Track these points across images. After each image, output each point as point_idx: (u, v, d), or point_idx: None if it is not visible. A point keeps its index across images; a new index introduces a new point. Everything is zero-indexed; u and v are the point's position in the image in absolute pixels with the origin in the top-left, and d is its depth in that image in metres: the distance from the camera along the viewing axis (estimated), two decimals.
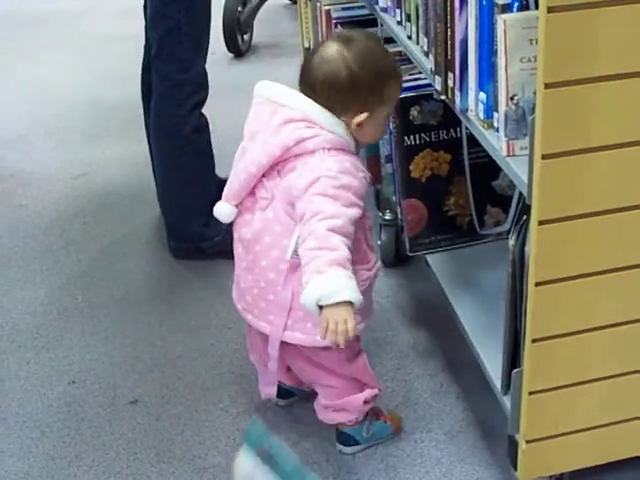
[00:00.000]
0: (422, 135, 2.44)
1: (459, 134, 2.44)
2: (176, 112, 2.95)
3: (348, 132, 2.03)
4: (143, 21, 3.08)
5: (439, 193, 2.49)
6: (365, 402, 2.27)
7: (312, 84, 2.03)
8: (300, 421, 2.43)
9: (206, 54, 2.97)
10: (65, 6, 6.01)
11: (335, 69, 2.00)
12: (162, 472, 2.32)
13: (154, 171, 3.25)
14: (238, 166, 2.09)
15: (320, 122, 2.00)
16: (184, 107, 2.94)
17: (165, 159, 3.07)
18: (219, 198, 2.96)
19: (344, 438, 2.33)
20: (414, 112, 2.41)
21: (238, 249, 2.16)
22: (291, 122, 1.99)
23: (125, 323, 2.87)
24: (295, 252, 2.01)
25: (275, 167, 2.04)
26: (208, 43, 3.00)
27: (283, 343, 2.15)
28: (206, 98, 2.99)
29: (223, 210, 2.14)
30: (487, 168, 2.43)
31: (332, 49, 2.01)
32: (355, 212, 1.96)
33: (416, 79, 2.52)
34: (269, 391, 2.31)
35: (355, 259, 1.99)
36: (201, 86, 2.98)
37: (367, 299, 2.09)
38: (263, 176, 2.06)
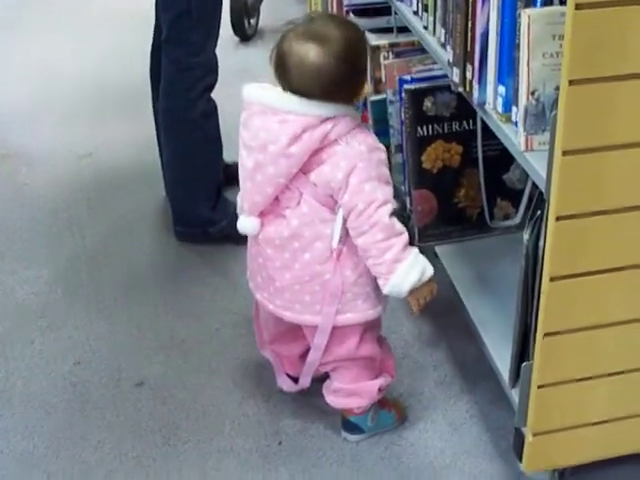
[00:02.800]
0: (435, 126, 2.44)
1: (472, 126, 2.43)
2: (185, 96, 2.94)
3: (350, 106, 2.05)
4: (153, 3, 3.07)
5: (450, 185, 2.49)
6: (379, 390, 2.29)
7: (306, 90, 1.98)
8: (305, 408, 2.44)
9: (217, 38, 2.97)
10: None
11: (329, 71, 1.97)
12: (167, 455, 2.33)
13: (161, 154, 3.25)
14: (257, 179, 2.05)
15: (329, 114, 1.99)
16: (193, 91, 2.94)
17: (173, 143, 3.07)
18: (226, 183, 2.97)
19: (349, 426, 2.34)
20: (428, 103, 2.41)
21: (266, 251, 2.14)
22: (308, 127, 1.97)
23: (130, 305, 2.87)
24: (341, 238, 2.05)
25: (308, 161, 2.03)
26: (219, 28, 2.99)
27: (309, 330, 2.20)
28: (215, 82, 2.99)
29: (249, 224, 2.13)
30: (498, 161, 2.44)
31: (313, 52, 1.97)
32: (390, 181, 2.05)
33: (430, 70, 2.52)
34: (303, 383, 2.35)
35: None
36: (211, 70, 2.97)
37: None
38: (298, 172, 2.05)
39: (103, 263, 3.10)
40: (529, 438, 1.99)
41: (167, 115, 3.04)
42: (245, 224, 2.13)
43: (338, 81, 1.99)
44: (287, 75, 2.00)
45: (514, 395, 2.06)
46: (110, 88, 4.39)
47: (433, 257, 2.60)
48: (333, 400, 2.32)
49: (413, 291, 2.07)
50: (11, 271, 3.08)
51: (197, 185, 3.07)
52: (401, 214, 2.82)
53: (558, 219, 1.69)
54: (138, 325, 2.79)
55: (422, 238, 2.53)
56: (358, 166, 1.98)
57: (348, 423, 2.35)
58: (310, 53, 1.97)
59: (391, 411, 2.39)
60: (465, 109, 2.36)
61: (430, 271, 2.07)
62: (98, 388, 2.55)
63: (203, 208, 3.07)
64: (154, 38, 3.14)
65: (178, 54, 2.91)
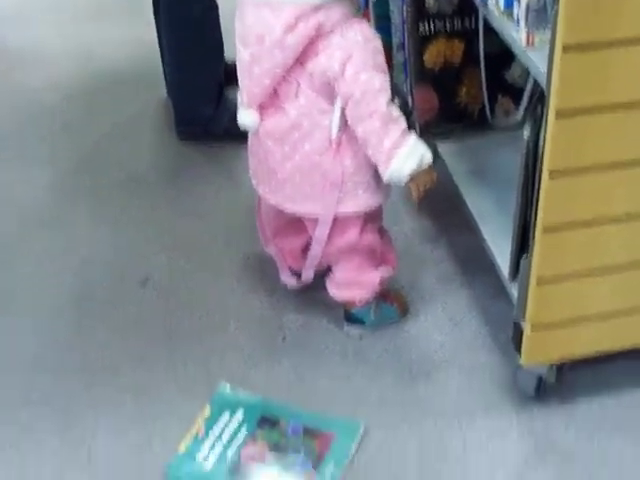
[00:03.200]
0: (437, 24, 2.42)
1: (474, 23, 2.42)
2: None
3: None
4: None
5: (452, 82, 2.49)
6: (380, 281, 2.33)
7: None
8: (308, 303, 2.48)
9: None
10: None
11: None
12: (172, 351, 2.37)
13: (162, 54, 3.23)
14: (254, 71, 2.05)
15: (322, 1, 1.97)
16: None
17: (174, 41, 3.05)
18: (227, 82, 2.95)
19: (352, 318, 2.39)
20: (429, 0, 2.40)
21: (267, 144, 2.16)
22: (301, 16, 1.96)
23: (133, 206, 2.89)
24: (340, 128, 2.06)
25: (304, 52, 2.03)
26: None
27: (310, 222, 2.22)
28: None
29: (248, 117, 2.14)
30: (500, 58, 2.44)
31: None
32: (387, 71, 2.04)
33: None
34: (306, 276, 2.38)
35: None
36: None
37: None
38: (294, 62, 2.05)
39: (105, 164, 3.11)
40: (528, 331, 2.02)
41: (168, 13, 3.01)
42: (245, 117, 2.15)
43: None
44: None
45: (513, 289, 2.09)
46: None
47: (434, 155, 2.62)
48: (335, 292, 2.36)
49: (413, 177, 2.08)
50: (10, 174, 3.08)
51: (198, 83, 3.06)
52: (403, 111, 2.83)
53: (558, 115, 1.70)
54: (141, 225, 2.81)
55: (424, 136, 2.51)
56: (354, 55, 1.98)
57: (350, 315, 2.39)
58: None
59: (393, 304, 2.43)
60: (467, 6, 2.36)
61: (429, 157, 2.08)
62: (103, 288, 2.59)
63: (205, 106, 3.07)
64: None
65: None
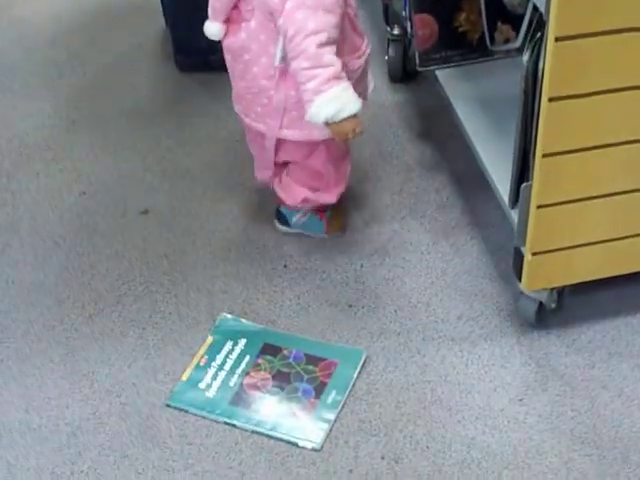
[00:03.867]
0: None
1: None
2: None
3: None
4: None
5: (450, 8, 2.46)
6: (304, 199, 2.39)
7: None
8: (310, 247, 2.48)
9: None
10: None
11: None
12: (175, 280, 2.39)
13: None
14: None
15: None
16: None
17: None
18: None
19: (278, 214, 2.50)
20: None
21: (227, 58, 2.24)
22: None
23: (133, 136, 2.89)
24: (282, 58, 2.07)
25: None
26: None
27: (279, 141, 2.26)
28: None
29: (212, 29, 2.22)
30: None
31: None
32: (337, 11, 2.01)
33: None
34: (264, 174, 2.43)
35: (343, 49, 2.09)
36: None
37: (362, 85, 2.21)
38: None
39: (104, 95, 3.09)
40: (528, 257, 2.03)
41: None
42: (208, 27, 2.22)
43: None
44: None
45: (514, 216, 2.09)
46: None
47: (433, 82, 2.61)
48: (276, 186, 2.43)
49: (333, 125, 2.06)
50: (12, 105, 3.07)
51: (197, 14, 3.01)
52: (402, 39, 2.82)
53: (557, 40, 1.69)
54: (142, 155, 2.81)
55: (423, 62, 2.52)
56: None
57: (278, 211, 2.49)
58: None
59: (322, 220, 2.46)
60: None
61: (352, 109, 2.04)
62: (104, 218, 2.59)
63: (203, 36, 3.03)
64: None
65: None
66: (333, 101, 2.02)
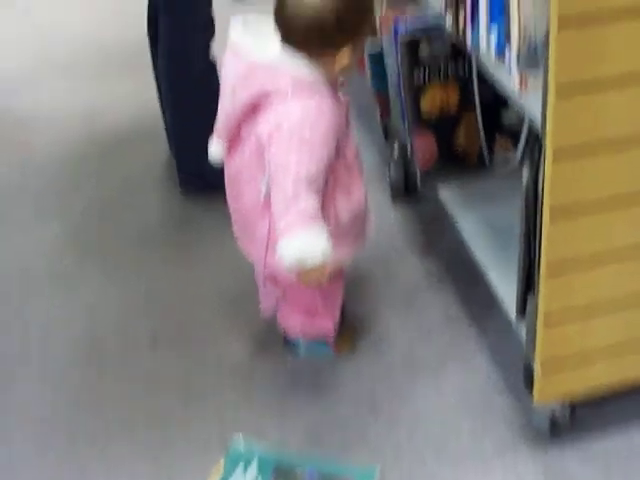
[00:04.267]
0: (431, 72, 2.44)
1: (467, 70, 2.45)
2: (184, 55, 2.96)
3: (320, 69, 2.01)
4: None
5: (449, 128, 2.51)
6: (303, 326, 2.41)
7: (293, 27, 1.99)
8: (320, 369, 2.48)
9: None
10: None
11: (319, 9, 1.95)
12: (185, 406, 2.38)
13: (163, 112, 3.27)
14: (224, 103, 2.14)
15: (283, 65, 1.99)
16: (192, 50, 2.95)
17: (175, 100, 3.09)
18: None
19: (286, 343, 2.51)
20: (423, 50, 2.42)
21: (226, 181, 2.27)
22: (257, 68, 2.00)
23: (140, 262, 2.91)
24: (267, 192, 2.07)
25: (253, 109, 2.05)
26: None
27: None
28: (212, 39, 2.98)
29: (213, 149, 2.25)
30: (495, 101, 2.46)
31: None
32: (323, 154, 2.00)
33: (424, 16, 2.53)
34: (265, 303, 2.43)
35: (335, 191, 2.10)
36: (207, 28, 2.97)
37: (357, 226, 2.22)
38: (245, 117, 2.08)
39: (112, 220, 3.14)
40: (538, 371, 2.03)
41: (168, 73, 3.05)
42: (210, 147, 2.25)
43: (313, 25, 1.96)
44: (280, 15, 2.01)
45: (522, 329, 2.10)
46: (110, 48, 4.38)
47: (435, 197, 2.63)
48: (278, 316, 2.46)
49: (296, 268, 2.03)
50: (22, 231, 3.11)
51: (200, 141, 3.06)
52: (403, 158, 2.87)
53: (555, 155, 1.72)
54: (149, 281, 2.83)
55: (424, 183, 2.55)
56: (283, 127, 1.97)
57: (285, 340, 2.50)
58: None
59: (329, 343, 2.46)
60: (459, 53, 2.39)
61: (315, 260, 1.99)
62: (114, 346, 2.60)
63: (207, 163, 3.07)
64: (149, 1, 3.15)
65: (175, 13, 2.92)
66: (299, 247, 1.98)
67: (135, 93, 3.87)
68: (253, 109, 2.04)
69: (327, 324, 2.40)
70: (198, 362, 2.51)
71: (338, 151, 2.07)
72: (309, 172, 1.97)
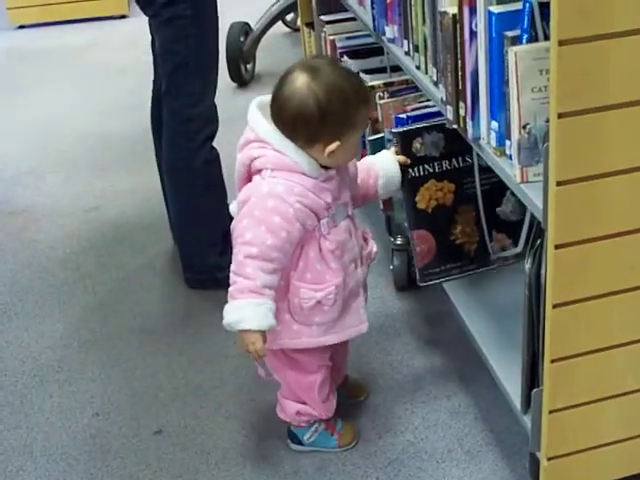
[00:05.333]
0: (425, 167, 2.45)
1: (462, 164, 2.46)
2: (187, 146, 3.00)
3: (309, 157, 2.08)
4: (149, 55, 3.16)
5: (445, 222, 2.50)
6: (298, 413, 2.39)
7: (282, 116, 2.06)
8: (324, 461, 2.46)
9: (215, 88, 3.02)
10: (69, 40, 6.11)
11: (304, 103, 2.02)
12: None
13: (166, 204, 3.30)
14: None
15: (271, 143, 2.07)
16: (195, 141, 2.99)
17: (178, 192, 3.12)
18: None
19: (290, 434, 2.48)
20: (416, 144, 2.43)
21: None
22: (249, 142, 2.11)
23: (145, 354, 2.91)
24: None
25: (247, 175, 2.15)
26: (217, 77, 3.06)
27: None
28: (216, 131, 3.04)
29: (232, 207, 2.25)
30: (490, 195, 2.48)
31: (299, 81, 2.03)
32: (283, 236, 2.06)
33: (425, 107, 2.57)
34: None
35: (304, 277, 2.16)
36: (211, 120, 3.02)
37: (324, 315, 2.20)
38: (241, 182, 2.17)
39: (115, 314, 3.14)
40: (544, 463, 2.02)
41: (170, 165, 3.09)
42: (231, 205, 2.25)
43: (299, 116, 2.03)
44: (274, 102, 2.09)
45: (527, 421, 2.09)
46: (111, 141, 4.46)
47: (438, 288, 2.64)
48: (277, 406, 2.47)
49: (238, 333, 2.12)
50: (26, 326, 3.12)
51: (203, 232, 3.12)
52: (405, 248, 2.89)
53: (557, 247, 1.74)
54: (153, 373, 2.82)
55: (423, 278, 2.54)
56: (251, 199, 2.08)
57: (289, 431, 2.48)
58: (294, 80, 2.04)
59: (333, 435, 2.45)
60: (453, 147, 2.43)
61: (250, 325, 2.08)
62: (118, 438, 2.59)
63: (211, 254, 3.11)
64: (154, 90, 3.20)
65: (177, 106, 2.96)
66: (237, 310, 2.08)
67: (138, 185, 3.93)
68: (247, 176, 2.14)
69: (320, 411, 2.40)
70: (203, 455, 2.50)
71: (311, 238, 2.13)
72: (263, 248, 2.05)
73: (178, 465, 2.48)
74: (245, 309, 2.08)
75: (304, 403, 2.39)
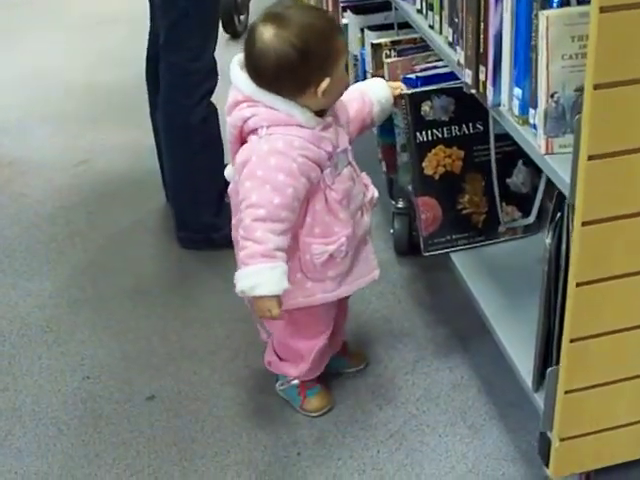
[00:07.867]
0: (434, 131, 2.39)
1: (471, 130, 2.40)
2: (185, 101, 2.91)
3: (302, 103, 2.02)
4: (142, 3, 3.06)
5: (453, 191, 2.44)
6: (268, 363, 2.43)
7: (262, 73, 2.00)
8: (323, 418, 2.42)
9: (215, 42, 2.93)
10: None
11: (282, 54, 1.96)
12: (185, 470, 2.30)
13: (160, 160, 3.21)
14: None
15: (261, 100, 2.02)
16: (193, 96, 2.90)
17: (174, 149, 3.03)
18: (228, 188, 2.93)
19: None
20: (425, 108, 2.37)
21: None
22: (238, 102, 2.04)
23: (137, 316, 2.84)
24: None
25: (240, 137, 2.09)
26: (217, 31, 2.97)
27: None
28: (215, 86, 2.94)
29: (227, 172, 2.23)
30: (500, 165, 2.41)
31: (267, 34, 1.97)
32: (290, 193, 2.01)
33: (435, 67, 2.49)
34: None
35: (313, 232, 2.11)
36: (210, 74, 2.93)
37: (336, 268, 2.17)
38: (235, 145, 2.11)
39: (106, 273, 3.06)
40: (556, 443, 1.96)
41: (167, 121, 3.00)
42: (227, 170, 2.24)
43: (281, 67, 1.97)
44: (248, 60, 2.03)
45: (538, 399, 2.02)
46: (101, 93, 4.36)
47: (443, 256, 2.56)
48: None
49: (251, 298, 2.07)
50: (13, 284, 3.04)
51: (199, 190, 3.03)
52: (407, 213, 2.81)
53: (584, 224, 1.66)
54: (146, 336, 2.75)
55: (428, 247, 2.47)
56: (252, 160, 2.01)
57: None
58: (261, 35, 1.98)
59: (299, 395, 2.43)
60: (464, 113, 2.37)
61: (269, 290, 2.02)
62: (109, 403, 2.52)
63: (206, 214, 3.03)
64: (149, 46, 3.11)
65: (177, 59, 2.87)
66: (251, 276, 2.02)
67: (128, 140, 3.84)
68: (240, 138, 2.08)
69: (291, 370, 2.39)
70: (197, 422, 2.44)
71: (317, 190, 2.08)
72: (270, 208, 1.99)
73: (172, 432, 2.41)
74: (258, 275, 2.02)
75: (281, 360, 2.38)
